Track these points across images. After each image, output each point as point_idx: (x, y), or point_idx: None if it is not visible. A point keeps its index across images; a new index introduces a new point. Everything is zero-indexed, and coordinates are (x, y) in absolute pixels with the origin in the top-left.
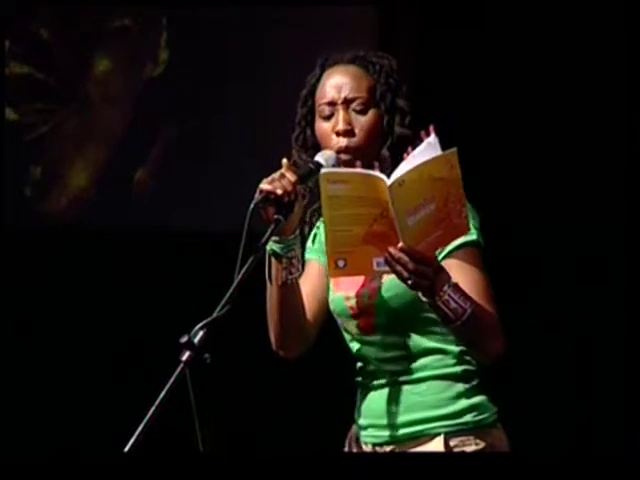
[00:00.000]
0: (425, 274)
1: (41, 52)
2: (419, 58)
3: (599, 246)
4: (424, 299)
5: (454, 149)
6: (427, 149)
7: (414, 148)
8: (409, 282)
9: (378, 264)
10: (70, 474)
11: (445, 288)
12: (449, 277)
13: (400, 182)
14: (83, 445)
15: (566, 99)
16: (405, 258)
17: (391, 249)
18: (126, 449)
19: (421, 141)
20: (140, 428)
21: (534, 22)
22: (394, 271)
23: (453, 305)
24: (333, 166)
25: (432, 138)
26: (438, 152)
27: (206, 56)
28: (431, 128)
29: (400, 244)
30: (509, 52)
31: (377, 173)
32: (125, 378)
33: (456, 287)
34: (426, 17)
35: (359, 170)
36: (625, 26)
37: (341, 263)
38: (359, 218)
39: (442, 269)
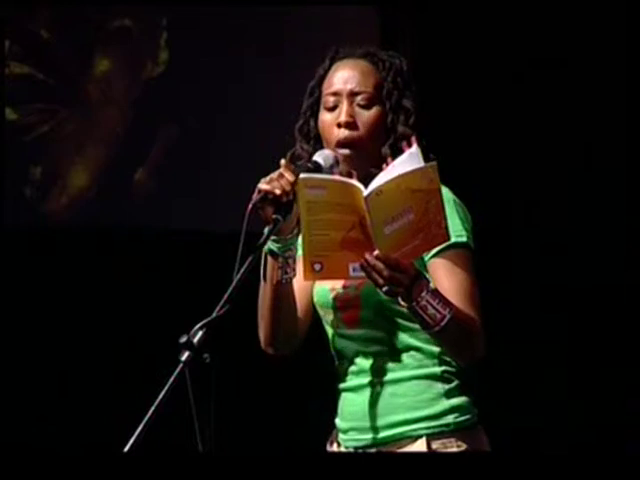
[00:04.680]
0: (400, 281)
1: (41, 52)
2: (419, 58)
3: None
4: (402, 304)
5: (434, 163)
6: (408, 160)
7: (394, 159)
8: (384, 289)
9: (354, 269)
10: (70, 474)
11: (423, 294)
12: (428, 283)
13: (378, 192)
14: (83, 445)
15: (567, 100)
16: (380, 265)
17: (367, 256)
18: (126, 449)
19: (402, 152)
20: (140, 428)
21: (535, 22)
22: (369, 277)
23: (431, 311)
24: (332, 165)
25: (414, 149)
26: (419, 163)
27: (206, 56)
28: (413, 139)
29: (376, 252)
30: (510, 52)
31: (355, 182)
32: (125, 378)
33: (435, 293)
34: (426, 17)
35: (337, 177)
36: (625, 27)
37: (317, 266)
38: (336, 224)
39: (421, 275)
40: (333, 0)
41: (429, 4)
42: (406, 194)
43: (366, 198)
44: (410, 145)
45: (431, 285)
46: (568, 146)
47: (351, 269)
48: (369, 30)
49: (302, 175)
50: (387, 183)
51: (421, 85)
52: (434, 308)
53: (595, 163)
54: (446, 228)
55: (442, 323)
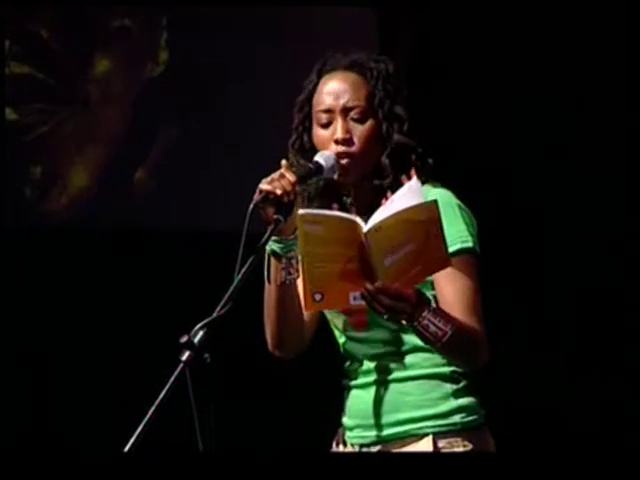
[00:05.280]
0: (402, 310)
1: (41, 52)
2: (419, 58)
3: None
4: (404, 323)
5: (434, 199)
6: (408, 193)
7: (394, 192)
8: (385, 317)
9: (355, 298)
10: (70, 474)
11: (424, 314)
12: (429, 303)
13: (377, 228)
14: (83, 445)
15: (568, 100)
16: (381, 295)
17: (368, 286)
18: (126, 449)
19: (402, 185)
20: (140, 428)
21: (535, 21)
22: (370, 307)
23: (432, 329)
24: (333, 166)
25: (413, 182)
26: (419, 196)
27: (206, 56)
28: (412, 172)
29: (377, 283)
30: (510, 52)
31: (354, 217)
32: (125, 378)
33: (436, 311)
34: (426, 17)
35: (335, 213)
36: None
37: (318, 297)
38: (335, 257)
39: (422, 299)
40: (333, 1)
41: (428, 6)
42: (406, 226)
43: (366, 234)
44: (410, 178)
45: (432, 304)
46: (568, 146)
47: (352, 298)
48: (368, 31)
49: (300, 211)
50: (385, 220)
51: (419, 86)
52: (435, 326)
53: (595, 163)
54: (446, 251)
55: (444, 339)
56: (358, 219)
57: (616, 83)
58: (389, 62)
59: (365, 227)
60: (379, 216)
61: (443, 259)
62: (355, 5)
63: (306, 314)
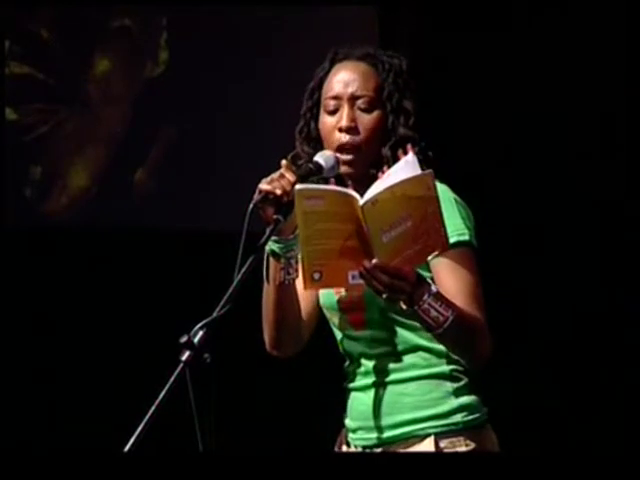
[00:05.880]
0: (400, 288)
1: (41, 52)
2: (419, 58)
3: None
4: (404, 307)
5: (430, 170)
6: (404, 168)
7: (390, 167)
8: (384, 296)
9: (353, 277)
10: (70, 474)
11: (425, 297)
12: (429, 286)
13: (373, 202)
14: (83, 445)
15: (570, 100)
16: (379, 273)
17: (366, 264)
18: (126, 449)
19: (398, 160)
20: (140, 428)
21: (535, 21)
22: (369, 285)
23: (434, 314)
24: (333, 166)
25: (410, 157)
26: (415, 170)
27: (206, 56)
28: (409, 147)
29: (375, 260)
30: (509, 52)
31: (351, 191)
32: (125, 378)
33: (437, 295)
34: (426, 17)
35: (333, 187)
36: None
37: (316, 275)
38: (334, 233)
39: (422, 280)
40: (333, 0)
41: (429, 4)
42: (402, 202)
43: (362, 208)
44: (406, 153)
45: (433, 288)
46: (568, 146)
47: (350, 277)
48: (368, 30)
49: (298, 186)
50: (382, 192)
51: (420, 85)
52: (436, 311)
53: (595, 164)
54: (445, 234)
55: (445, 325)
56: (356, 194)
57: (616, 83)
58: (403, 59)
59: (361, 201)
60: (375, 189)
61: (442, 242)
62: (356, 3)
63: (304, 313)
